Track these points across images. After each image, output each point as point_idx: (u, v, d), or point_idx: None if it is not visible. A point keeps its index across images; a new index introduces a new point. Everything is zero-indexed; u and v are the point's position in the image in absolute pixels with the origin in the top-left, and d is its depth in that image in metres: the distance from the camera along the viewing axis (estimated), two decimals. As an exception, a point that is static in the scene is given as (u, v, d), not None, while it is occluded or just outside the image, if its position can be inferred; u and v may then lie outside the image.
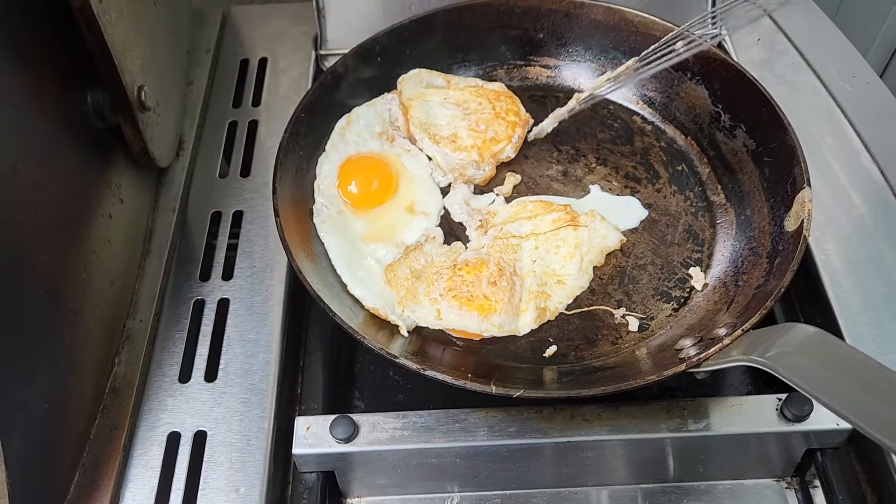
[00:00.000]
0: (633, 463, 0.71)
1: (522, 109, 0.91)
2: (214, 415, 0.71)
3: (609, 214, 0.81)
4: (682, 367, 0.64)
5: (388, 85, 0.90)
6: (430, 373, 0.64)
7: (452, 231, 0.82)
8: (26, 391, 0.59)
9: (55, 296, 0.64)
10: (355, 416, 0.68)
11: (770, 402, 0.68)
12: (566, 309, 0.76)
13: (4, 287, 0.57)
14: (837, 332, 0.74)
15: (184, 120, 0.94)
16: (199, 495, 0.67)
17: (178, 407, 0.72)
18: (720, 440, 0.68)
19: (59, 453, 0.65)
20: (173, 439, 0.70)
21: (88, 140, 0.73)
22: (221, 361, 0.75)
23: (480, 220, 0.82)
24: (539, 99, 0.94)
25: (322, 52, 1.01)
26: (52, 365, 0.64)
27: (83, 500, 0.66)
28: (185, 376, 0.74)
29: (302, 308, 0.82)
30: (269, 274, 0.81)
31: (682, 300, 0.77)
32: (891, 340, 0.73)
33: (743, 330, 0.64)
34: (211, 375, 0.74)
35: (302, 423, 0.68)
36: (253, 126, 0.96)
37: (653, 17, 0.89)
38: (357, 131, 0.86)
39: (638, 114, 0.92)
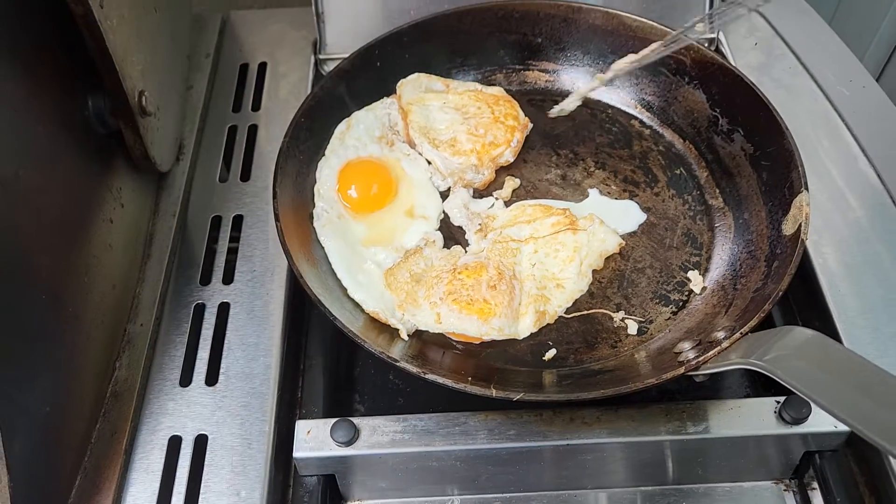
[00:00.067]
0: (632, 465, 0.71)
1: (521, 113, 0.91)
2: (215, 418, 0.72)
3: (608, 218, 0.82)
4: (681, 370, 0.64)
5: (387, 89, 0.91)
6: (430, 376, 0.64)
7: (452, 235, 0.83)
8: (28, 395, 0.60)
9: (57, 300, 0.65)
10: (356, 420, 0.68)
11: (768, 404, 0.68)
12: (565, 312, 0.77)
13: (7, 291, 0.57)
14: (835, 335, 0.74)
15: (184, 124, 0.94)
16: (200, 499, 0.67)
17: (179, 411, 0.72)
18: (719, 443, 0.68)
19: (60, 457, 0.66)
20: (174, 443, 0.70)
21: (89, 145, 0.74)
22: (222, 365, 0.75)
23: (480, 224, 0.82)
24: (538, 103, 0.95)
25: (321, 57, 1.02)
26: (54, 369, 0.64)
27: (84, 503, 0.66)
28: (185, 380, 0.74)
29: (302, 312, 0.83)
30: (270, 278, 0.81)
31: (681, 303, 0.77)
32: (888, 343, 0.73)
33: (741, 333, 0.65)
34: (212, 379, 0.74)
35: (302, 427, 0.69)
36: (253, 130, 0.96)
37: (650, 22, 0.89)
38: (357, 135, 0.87)
39: (636, 118, 0.92)
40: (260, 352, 0.76)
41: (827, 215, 0.84)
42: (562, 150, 0.90)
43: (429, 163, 0.87)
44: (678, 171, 0.88)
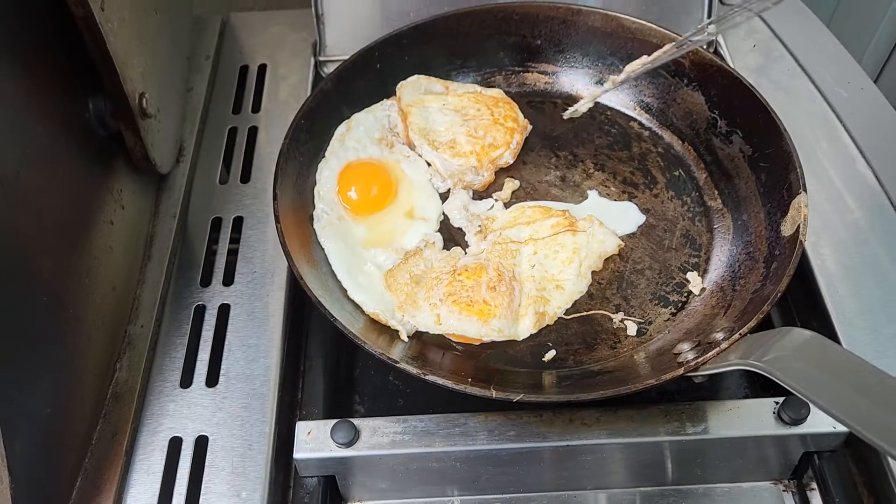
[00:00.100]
0: (631, 466, 0.71)
1: (520, 115, 0.91)
2: (216, 420, 0.72)
3: (607, 220, 0.82)
4: (681, 371, 0.64)
5: (387, 91, 0.91)
6: (430, 377, 0.65)
7: (452, 236, 0.83)
8: (29, 397, 0.60)
9: (58, 302, 0.65)
10: (356, 421, 0.68)
11: (767, 405, 0.69)
12: (565, 314, 0.77)
13: (8, 293, 0.57)
14: (834, 336, 0.75)
15: (184, 126, 0.94)
16: (200, 500, 0.67)
17: (180, 412, 0.72)
18: (718, 443, 0.68)
19: (61, 458, 0.66)
20: (175, 444, 0.70)
21: (90, 147, 0.74)
22: (222, 366, 0.75)
23: (479, 226, 0.82)
24: (537, 105, 0.95)
25: (321, 59, 1.02)
26: (55, 370, 0.64)
27: (85, 504, 0.66)
28: (186, 381, 0.74)
29: (302, 313, 0.83)
30: (270, 279, 0.81)
31: (680, 305, 0.77)
32: (886, 344, 0.74)
33: (740, 334, 0.65)
34: (212, 380, 0.74)
35: (303, 428, 0.69)
36: (253, 132, 0.96)
37: (649, 24, 0.89)
38: (356, 137, 0.87)
39: (635, 119, 0.93)
40: (260, 353, 0.76)
41: (825, 216, 0.84)
42: (561, 151, 0.90)
43: (428, 164, 0.88)
44: (677, 173, 0.88)
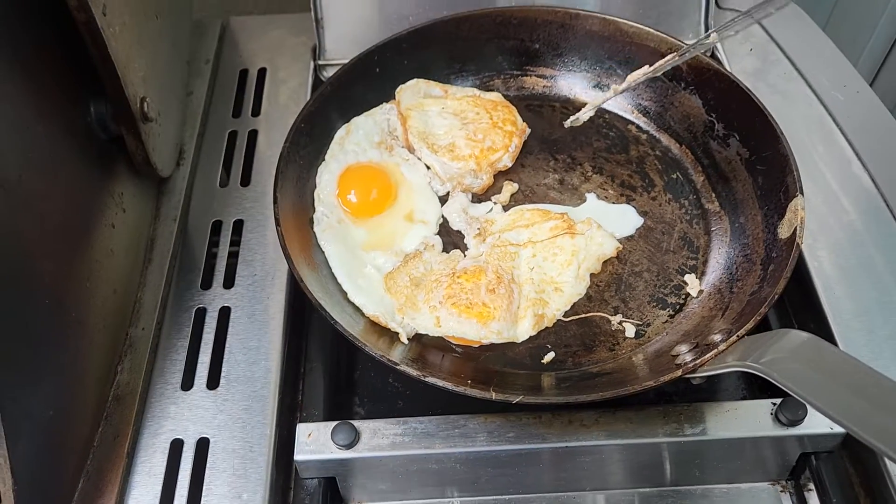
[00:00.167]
0: (630, 467, 0.72)
1: (519, 119, 0.92)
2: (217, 422, 0.72)
3: (605, 222, 0.82)
4: (679, 372, 0.65)
5: (386, 95, 0.91)
6: (430, 379, 0.65)
7: (451, 239, 0.83)
8: (32, 399, 0.60)
9: (59, 305, 0.65)
10: (356, 423, 0.69)
11: (765, 406, 0.69)
12: (564, 316, 0.77)
13: (10, 296, 0.58)
14: (830, 338, 0.75)
15: (184, 130, 0.95)
16: (202, 502, 0.67)
17: (181, 414, 0.73)
18: (716, 444, 0.69)
19: (63, 461, 0.66)
20: (176, 446, 0.71)
21: (91, 150, 0.74)
22: (223, 369, 0.75)
23: (478, 229, 0.83)
24: (535, 108, 0.95)
25: (321, 63, 1.02)
26: (57, 373, 0.64)
27: (87, 506, 0.67)
28: (187, 384, 0.75)
29: (302, 316, 0.83)
30: (270, 282, 0.82)
31: (678, 307, 0.78)
32: (882, 345, 0.74)
33: (738, 336, 0.65)
34: (213, 383, 0.75)
35: (303, 430, 0.69)
36: (252, 136, 0.97)
37: (647, 28, 0.90)
38: (356, 141, 0.87)
39: (633, 123, 0.93)
40: (261, 355, 0.76)
41: (822, 219, 0.85)
42: (559, 154, 0.91)
43: (428, 168, 0.88)
44: (675, 176, 0.88)
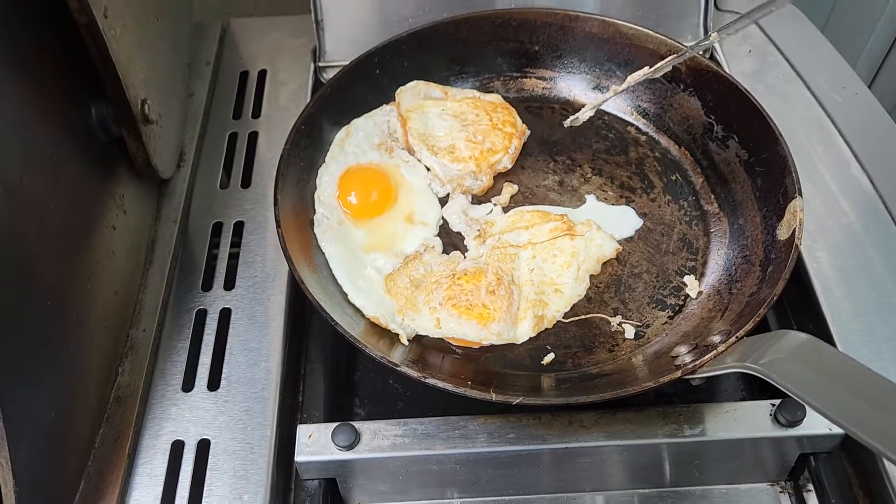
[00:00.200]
0: (629, 468, 0.72)
1: (519, 121, 0.92)
2: (217, 423, 0.72)
3: (605, 224, 0.83)
4: (678, 373, 0.65)
5: (386, 97, 0.92)
6: (430, 380, 0.65)
7: (451, 241, 0.84)
8: (33, 400, 0.60)
9: (61, 306, 0.65)
10: (356, 424, 0.69)
11: (764, 407, 0.69)
12: (563, 317, 0.78)
13: (12, 298, 0.58)
14: (829, 339, 0.75)
15: (185, 132, 0.95)
16: (202, 503, 0.68)
17: (182, 416, 0.73)
18: (715, 445, 0.69)
19: (64, 462, 0.66)
20: (177, 448, 0.71)
21: (93, 152, 0.74)
22: (224, 370, 0.76)
23: (478, 230, 0.83)
24: (535, 110, 0.96)
25: (321, 65, 1.02)
26: (58, 374, 0.64)
27: (88, 508, 0.67)
28: (188, 385, 0.75)
29: (303, 317, 0.83)
30: (271, 284, 0.82)
31: (677, 308, 0.78)
32: (881, 346, 0.74)
33: (737, 337, 0.66)
34: (214, 384, 0.75)
35: (304, 431, 0.69)
36: (253, 137, 0.97)
37: (646, 30, 0.90)
38: (356, 143, 0.88)
39: (632, 124, 0.94)
40: (261, 357, 0.76)
41: (820, 220, 0.85)
42: (559, 156, 0.91)
43: (428, 169, 0.88)
44: (674, 177, 0.89)
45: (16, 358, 0.58)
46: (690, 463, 0.71)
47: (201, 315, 0.80)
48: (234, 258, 0.85)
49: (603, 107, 0.94)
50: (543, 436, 0.69)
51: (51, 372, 0.63)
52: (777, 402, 0.69)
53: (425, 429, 0.69)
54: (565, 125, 0.90)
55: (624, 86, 0.88)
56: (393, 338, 0.74)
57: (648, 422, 0.69)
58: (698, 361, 0.65)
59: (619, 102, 0.94)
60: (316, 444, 0.68)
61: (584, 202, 0.87)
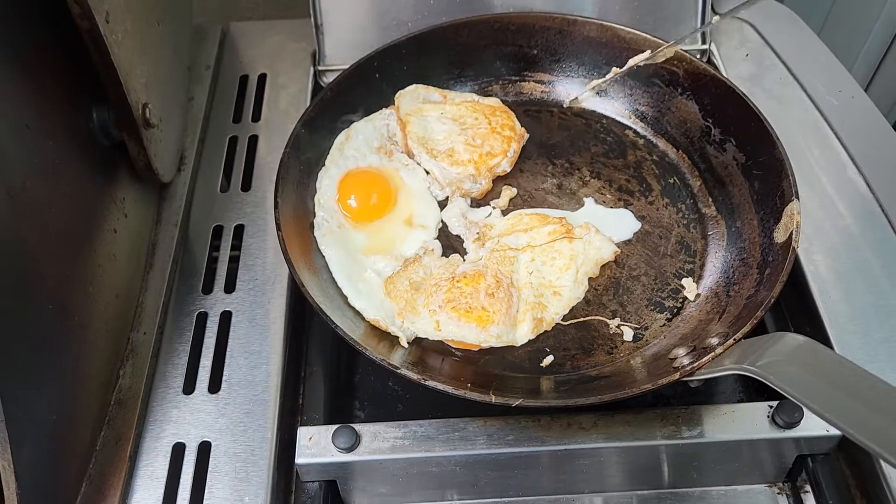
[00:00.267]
0: (628, 470, 0.72)
1: (518, 124, 0.92)
2: (218, 426, 0.72)
3: (603, 227, 0.83)
4: (676, 375, 0.65)
5: (385, 100, 0.92)
6: (430, 383, 0.65)
7: (450, 243, 0.84)
8: (35, 403, 0.60)
9: (63, 310, 0.66)
10: (357, 426, 0.69)
11: (762, 409, 0.70)
12: (562, 319, 0.78)
13: (15, 301, 0.58)
14: (826, 341, 0.76)
15: (185, 135, 0.95)
16: (204, 505, 0.68)
17: (183, 418, 0.73)
18: (713, 447, 0.69)
19: (66, 464, 0.66)
20: (178, 450, 0.71)
21: (94, 156, 0.75)
22: (224, 373, 0.76)
23: (478, 233, 0.84)
24: (534, 113, 0.96)
25: (320, 68, 1.03)
26: (60, 377, 0.65)
27: (90, 510, 0.67)
28: (188, 388, 0.75)
29: (303, 320, 0.84)
30: (271, 287, 0.82)
31: (676, 310, 0.78)
32: (878, 348, 0.75)
33: (735, 339, 0.66)
34: (214, 387, 0.75)
35: (304, 433, 0.70)
36: (253, 141, 0.97)
37: (644, 34, 0.91)
38: (356, 146, 0.88)
39: (630, 128, 0.94)
40: (262, 359, 0.77)
41: (817, 223, 0.85)
42: (557, 159, 0.92)
43: (427, 173, 0.89)
44: (672, 181, 0.89)
45: (18, 361, 0.58)
46: (689, 464, 0.72)
47: (202, 318, 0.80)
48: (234, 261, 0.85)
49: (601, 111, 0.95)
50: (542, 437, 0.69)
51: (52, 375, 0.63)
52: (774, 403, 0.69)
53: (425, 431, 0.69)
54: (564, 105, 0.90)
55: (625, 68, 0.88)
56: (393, 340, 0.74)
57: (647, 423, 0.69)
58: (696, 363, 0.65)
59: (617, 106, 0.95)
60: (316, 446, 0.69)
61: (583, 205, 0.87)
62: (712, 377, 0.65)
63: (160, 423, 0.73)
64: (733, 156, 0.85)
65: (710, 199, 0.86)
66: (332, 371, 0.82)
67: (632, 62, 0.88)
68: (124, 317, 0.78)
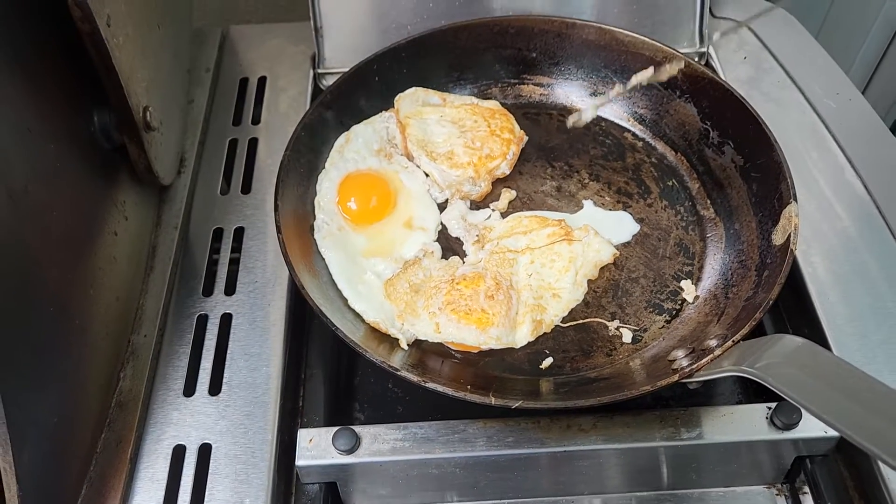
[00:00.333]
0: (627, 471, 0.72)
1: (517, 127, 0.93)
2: (219, 428, 0.73)
3: (602, 229, 0.83)
4: (675, 377, 0.66)
5: (385, 103, 0.92)
6: (430, 385, 0.66)
7: (450, 246, 0.84)
8: (36, 406, 0.61)
9: (63, 312, 0.66)
10: (357, 428, 0.69)
11: (760, 410, 0.70)
12: (562, 321, 0.78)
13: (17, 304, 0.58)
14: (824, 343, 0.76)
15: (185, 138, 0.95)
16: (204, 507, 0.68)
17: (183, 420, 0.73)
18: (712, 448, 0.70)
19: (67, 467, 0.67)
20: (178, 452, 0.71)
21: (95, 160, 0.75)
22: (225, 375, 0.76)
23: (477, 235, 0.84)
24: (533, 116, 0.96)
25: (320, 71, 1.03)
26: (61, 380, 0.65)
27: (91, 512, 0.67)
28: (189, 390, 0.75)
29: (303, 322, 0.84)
30: (271, 289, 0.82)
31: (674, 312, 0.79)
32: (876, 350, 0.75)
33: (733, 341, 0.66)
34: (215, 389, 0.75)
35: (304, 435, 0.70)
36: (253, 144, 0.97)
37: (642, 37, 0.91)
38: (356, 149, 0.88)
39: (629, 130, 0.94)
40: (262, 362, 0.77)
41: (815, 225, 0.86)
42: (556, 162, 0.92)
43: (427, 175, 0.89)
44: (670, 183, 0.89)
45: (19, 363, 0.58)
46: (688, 466, 0.72)
47: (202, 320, 0.80)
48: (234, 264, 0.85)
49: (600, 113, 0.95)
50: (542, 439, 0.69)
51: (53, 377, 0.63)
52: (773, 405, 0.69)
53: (425, 433, 0.69)
54: (568, 125, 0.90)
55: (630, 84, 0.88)
56: (392, 342, 0.74)
57: (646, 425, 0.70)
58: (695, 365, 0.66)
59: (616, 109, 0.95)
60: (316, 448, 0.69)
61: (582, 207, 0.88)
62: (711, 379, 0.65)
63: (161, 426, 0.73)
64: (731, 158, 0.85)
65: (709, 202, 0.87)
66: (333, 373, 0.82)
67: (635, 80, 0.87)
68: (125, 319, 0.78)
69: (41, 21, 0.66)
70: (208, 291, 0.83)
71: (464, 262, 0.82)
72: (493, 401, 0.65)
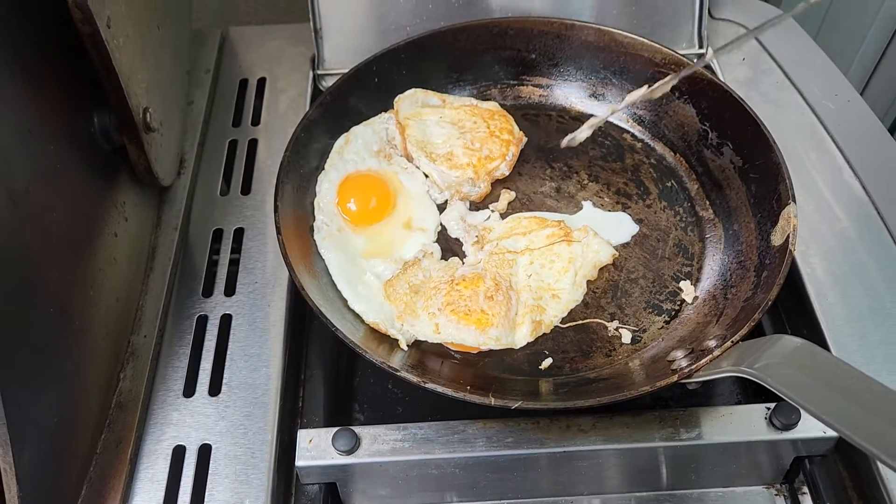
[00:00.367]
0: (627, 472, 0.73)
1: (516, 128, 0.93)
2: (218, 428, 0.73)
3: (601, 230, 0.83)
4: (674, 378, 0.66)
5: (384, 104, 0.92)
6: (430, 385, 0.66)
7: (449, 247, 0.84)
8: (36, 407, 0.61)
9: (63, 313, 0.66)
10: (356, 429, 0.69)
11: (759, 411, 0.70)
12: (561, 322, 0.78)
13: (17, 305, 0.58)
14: (823, 343, 0.76)
15: (185, 139, 0.96)
16: (204, 507, 0.68)
17: (183, 421, 0.73)
18: (711, 448, 0.70)
19: (67, 467, 0.67)
20: (178, 453, 0.71)
21: (95, 161, 0.75)
22: (225, 376, 0.76)
23: (477, 236, 0.84)
24: (532, 117, 0.97)
25: (319, 73, 1.03)
26: (61, 381, 0.65)
27: (91, 512, 0.67)
28: (189, 391, 0.75)
29: (303, 323, 0.84)
30: (271, 290, 0.82)
31: (674, 313, 0.79)
32: (874, 351, 0.75)
33: (732, 342, 0.66)
34: (214, 390, 0.75)
35: (304, 436, 0.70)
36: (253, 145, 0.97)
37: (641, 39, 0.91)
38: (355, 150, 0.88)
39: (628, 132, 0.95)
40: (262, 362, 0.77)
41: (814, 226, 0.86)
42: (556, 163, 0.92)
43: (426, 176, 0.89)
44: (669, 184, 0.90)
45: (20, 364, 0.58)
46: (687, 466, 0.72)
47: (202, 321, 0.80)
48: (234, 264, 0.85)
49: (599, 114, 0.95)
50: (542, 440, 0.69)
51: (54, 378, 0.63)
52: (772, 405, 0.70)
53: (425, 433, 0.70)
54: (562, 145, 0.89)
55: (622, 104, 0.87)
56: (392, 343, 0.74)
57: (645, 426, 0.70)
58: (694, 366, 0.66)
59: (615, 109, 0.95)
60: (316, 448, 0.69)
61: (581, 208, 0.88)
62: (710, 379, 0.65)
63: (160, 426, 0.73)
64: (730, 159, 0.85)
65: (708, 203, 0.87)
66: (332, 374, 0.82)
67: (629, 99, 0.86)
68: (125, 320, 0.78)
69: (41, 22, 0.66)
70: (208, 292, 0.83)
71: (463, 263, 0.82)
72: (492, 401, 0.65)
